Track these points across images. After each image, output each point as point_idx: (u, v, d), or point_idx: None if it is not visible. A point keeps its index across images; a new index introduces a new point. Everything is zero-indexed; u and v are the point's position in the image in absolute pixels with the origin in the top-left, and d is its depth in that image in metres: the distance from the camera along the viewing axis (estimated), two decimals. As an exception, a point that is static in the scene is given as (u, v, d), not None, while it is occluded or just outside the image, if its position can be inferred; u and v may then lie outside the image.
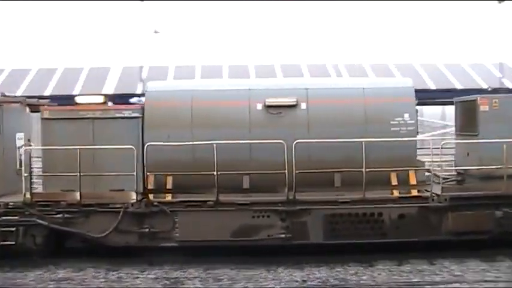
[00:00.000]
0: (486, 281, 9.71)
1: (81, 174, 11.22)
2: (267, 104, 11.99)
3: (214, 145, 11.21)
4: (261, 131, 11.84)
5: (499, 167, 11.46)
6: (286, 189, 11.28)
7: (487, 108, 12.12)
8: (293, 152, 11.20)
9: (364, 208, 11.43)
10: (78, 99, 12.26)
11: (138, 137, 11.90)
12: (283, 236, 11.44)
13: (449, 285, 9.57)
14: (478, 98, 12.28)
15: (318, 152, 11.61)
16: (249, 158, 11.67)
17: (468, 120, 12.55)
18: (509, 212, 11.62)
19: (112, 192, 11.52)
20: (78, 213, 11.44)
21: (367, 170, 11.19)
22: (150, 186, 11.55)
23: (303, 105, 11.97)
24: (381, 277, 10.19)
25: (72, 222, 11.44)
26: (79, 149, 11.24)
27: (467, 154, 12.49)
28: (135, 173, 11.37)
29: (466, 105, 12.75)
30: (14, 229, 11.24)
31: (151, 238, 11.45)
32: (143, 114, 12.07)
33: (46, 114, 12.05)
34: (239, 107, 12.00)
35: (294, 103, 11.98)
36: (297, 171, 11.17)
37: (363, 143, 11.31)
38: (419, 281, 9.87)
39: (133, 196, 11.49)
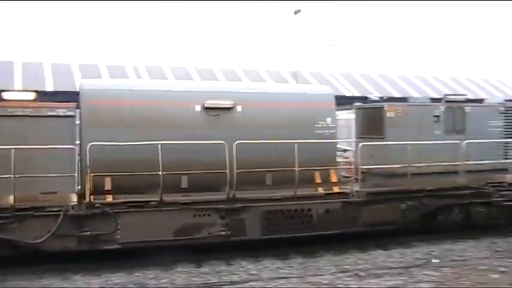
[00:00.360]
0: (280, 278, 10.16)
1: (16, 176, 10.43)
2: (205, 105, 12.27)
3: (159, 145, 11.25)
4: (201, 131, 12.09)
5: (404, 165, 13.11)
6: (227, 188, 11.73)
7: (392, 114, 13.77)
8: (234, 153, 11.67)
9: (296, 204, 12.32)
10: (5, 95, 11.31)
11: (72, 137, 11.39)
12: (223, 233, 11.88)
13: (246, 284, 9.77)
14: (385, 106, 13.89)
15: (253, 153, 12.15)
16: (189, 158, 11.85)
17: (374, 125, 14.08)
18: (411, 204, 13.38)
19: (49, 195, 10.91)
20: (10, 218, 10.62)
21: (300, 169, 12.06)
22: (89, 188, 11.13)
23: (239, 108, 12.48)
24: (180, 280, 10.23)
25: (4, 228, 10.58)
26: (13, 149, 10.45)
27: (371, 155, 14.00)
28: (76, 174, 10.97)
29: (372, 111, 14.28)
30: None
31: (92, 242, 11.06)
32: (79, 113, 11.56)
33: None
34: (179, 108, 12.13)
35: (231, 106, 12.44)
36: (237, 171, 11.63)
37: (296, 145, 12.13)
38: (217, 282, 10.01)
39: (74, 198, 11.06)
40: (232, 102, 12.50)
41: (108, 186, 11.40)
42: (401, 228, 13.50)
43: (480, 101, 16.85)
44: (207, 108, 12.32)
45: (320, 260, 11.84)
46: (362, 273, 10.30)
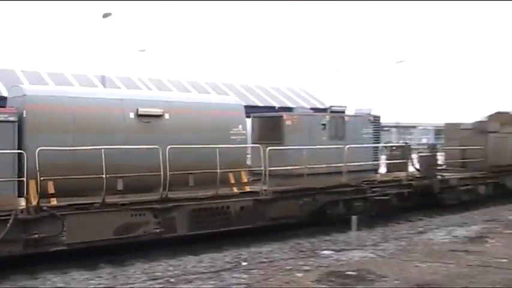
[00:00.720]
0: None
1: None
2: (139, 113, 13.25)
3: (103, 150, 12.00)
4: (135, 136, 13.08)
5: (301, 167, 15.35)
6: (161, 189, 12.85)
7: (290, 123, 15.93)
8: (167, 156, 12.82)
9: (218, 203, 13.85)
10: None
11: (13, 142, 11.66)
12: (157, 231, 12.97)
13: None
14: (284, 115, 16.01)
15: (180, 156, 13.37)
16: (125, 161, 12.69)
17: (273, 132, 16.10)
18: (307, 200, 15.67)
19: (-5, 199, 11.07)
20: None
21: (222, 171, 13.62)
22: (37, 192, 11.46)
23: (167, 115, 13.64)
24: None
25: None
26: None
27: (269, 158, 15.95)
28: (24, 179, 11.34)
29: (271, 120, 16.30)
30: None
31: (38, 245, 11.44)
32: (20, 118, 11.81)
33: None
34: (115, 115, 12.94)
35: (161, 113, 13.54)
36: (170, 173, 12.82)
37: (217, 149, 13.63)
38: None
39: (22, 202, 11.37)
40: (162, 110, 13.60)
41: (51, 189, 11.82)
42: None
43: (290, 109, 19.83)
44: (140, 115, 13.29)
45: (130, 268, 11.79)
46: (173, 280, 10.46)
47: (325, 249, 13.49)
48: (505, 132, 21.98)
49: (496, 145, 21.58)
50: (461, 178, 20.44)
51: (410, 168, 19.23)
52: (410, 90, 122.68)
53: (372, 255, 12.71)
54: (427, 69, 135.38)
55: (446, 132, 23.02)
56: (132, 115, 13.20)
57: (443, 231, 15.79)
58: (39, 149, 11.27)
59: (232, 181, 14.54)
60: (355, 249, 13.44)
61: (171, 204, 13.10)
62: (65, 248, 11.77)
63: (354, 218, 14.68)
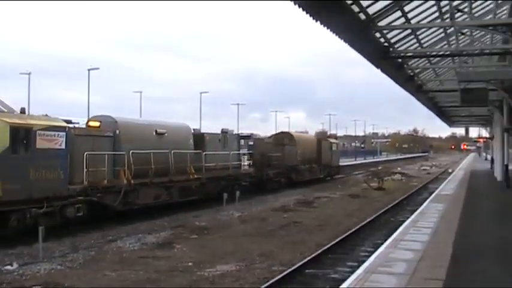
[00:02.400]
0: None
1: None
2: (157, 132, 22.54)
3: (152, 153, 21.57)
4: (156, 145, 22.46)
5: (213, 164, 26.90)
6: (170, 175, 22.74)
7: (208, 138, 26.92)
8: (172, 156, 23.01)
9: (189, 182, 24.29)
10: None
11: (111, 148, 20.04)
12: (167, 198, 22.64)
13: None
14: (204, 134, 27.58)
15: (178, 156, 23.24)
16: (156, 158, 21.75)
17: (199, 144, 26.42)
18: (221, 183, 27.02)
19: None
20: None
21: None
22: (125, 175, 19.90)
23: (167, 133, 23.29)
24: None
25: None
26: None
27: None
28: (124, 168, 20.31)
29: (197, 136, 26.71)
30: None
31: (128, 204, 20.12)
32: (114, 135, 20.37)
33: None
34: (149, 132, 22.49)
35: (165, 132, 23.20)
36: (173, 166, 23.22)
37: (188, 153, 24.41)
38: None
39: (124, 181, 19.91)
40: (165, 130, 23.49)
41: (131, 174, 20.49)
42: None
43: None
44: (157, 133, 23.21)
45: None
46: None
47: (8, 264, 12.51)
48: (292, 145, 37.05)
49: (289, 152, 36.21)
50: (275, 172, 34.34)
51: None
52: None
53: (60, 267, 12.35)
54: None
55: (255, 143, 36.09)
56: (154, 133, 22.85)
57: (133, 239, 16.21)
58: (131, 151, 20.44)
59: (192, 171, 24.69)
60: (42, 261, 12.82)
61: (172, 184, 22.90)
62: (138, 207, 20.94)
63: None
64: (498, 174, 34.80)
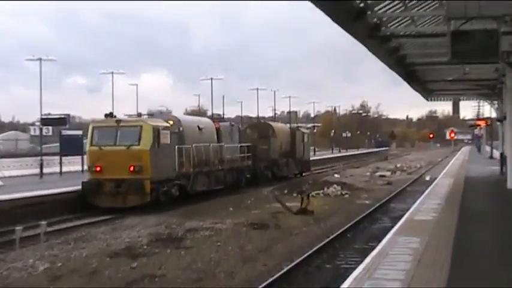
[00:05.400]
0: None
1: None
2: (199, 127, 27.63)
3: (208, 145, 27.10)
4: (200, 139, 27.34)
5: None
6: (212, 164, 28.02)
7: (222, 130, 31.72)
8: (211, 149, 28.14)
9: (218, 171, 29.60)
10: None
11: (178, 142, 24.83)
12: (209, 184, 28.15)
13: None
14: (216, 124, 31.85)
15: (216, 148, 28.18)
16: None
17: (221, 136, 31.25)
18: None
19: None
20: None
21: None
22: (188, 165, 25.25)
23: (203, 128, 28.11)
24: None
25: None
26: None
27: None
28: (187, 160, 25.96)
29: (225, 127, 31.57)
30: None
31: (191, 189, 25.58)
32: (179, 131, 25.46)
33: None
34: (195, 128, 27.27)
35: (203, 127, 28.06)
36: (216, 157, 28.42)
37: (219, 146, 29.62)
38: None
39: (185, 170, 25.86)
40: (203, 126, 28.67)
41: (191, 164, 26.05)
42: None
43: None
44: (199, 128, 28.49)
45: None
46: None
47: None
48: (275, 137, 37.52)
49: (273, 145, 37.27)
50: (265, 165, 36.53)
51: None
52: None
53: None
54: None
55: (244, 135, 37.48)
56: (197, 128, 27.56)
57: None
58: (194, 145, 25.74)
59: (217, 162, 29.57)
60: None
61: (212, 173, 28.17)
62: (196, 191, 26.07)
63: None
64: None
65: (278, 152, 36.69)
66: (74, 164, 36.67)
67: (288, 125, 50.36)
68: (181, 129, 25.44)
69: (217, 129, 29.60)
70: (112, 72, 59.36)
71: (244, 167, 32.47)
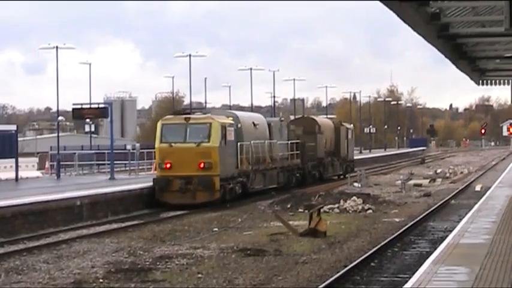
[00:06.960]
0: None
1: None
2: (254, 123, 27.50)
3: (265, 142, 27.27)
4: (253, 136, 27.44)
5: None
6: (267, 162, 28.02)
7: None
8: (265, 145, 28.06)
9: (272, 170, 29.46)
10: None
11: (237, 138, 24.71)
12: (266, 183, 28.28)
13: None
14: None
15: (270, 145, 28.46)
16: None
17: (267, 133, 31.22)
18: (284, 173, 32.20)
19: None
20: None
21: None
22: (246, 161, 25.30)
23: (258, 126, 27.88)
24: None
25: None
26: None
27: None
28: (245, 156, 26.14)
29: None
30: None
31: (248, 187, 25.82)
32: (237, 127, 25.34)
33: None
34: (250, 124, 27.11)
35: (258, 123, 27.97)
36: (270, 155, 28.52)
37: (271, 143, 29.52)
38: None
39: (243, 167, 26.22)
40: (258, 123, 28.21)
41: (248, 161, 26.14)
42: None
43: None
44: (254, 124, 28.33)
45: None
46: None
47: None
48: (321, 133, 35.49)
49: (319, 142, 35.35)
50: (312, 164, 36.98)
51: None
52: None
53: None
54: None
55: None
56: (252, 125, 27.48)
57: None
58: (252, 141, 26.00)
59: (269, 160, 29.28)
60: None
61: (268, 171, 28.24)
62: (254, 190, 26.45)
63: None
64: None
65: (323, 150, 34.94)
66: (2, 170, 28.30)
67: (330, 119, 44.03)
68: (239, 125, 25.78)
69: (269, 125, 29.74)
70: (56, 47, 38.24)
71: (294, 165, 31.87)
